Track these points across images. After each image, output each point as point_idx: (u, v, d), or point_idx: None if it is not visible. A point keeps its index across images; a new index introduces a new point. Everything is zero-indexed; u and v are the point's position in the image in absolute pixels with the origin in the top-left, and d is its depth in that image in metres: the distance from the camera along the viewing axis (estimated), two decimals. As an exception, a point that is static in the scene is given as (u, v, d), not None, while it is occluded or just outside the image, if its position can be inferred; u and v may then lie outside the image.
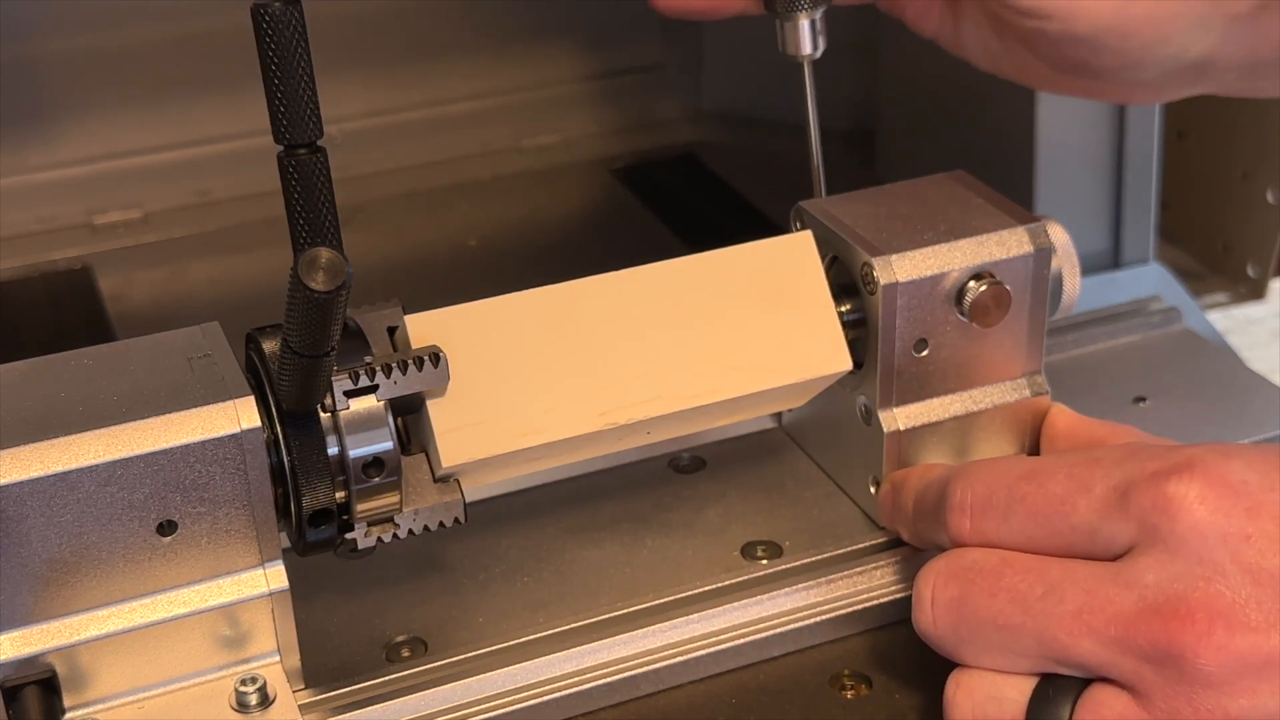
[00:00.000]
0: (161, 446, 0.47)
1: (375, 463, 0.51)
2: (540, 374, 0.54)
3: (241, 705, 0.50)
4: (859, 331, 0.57)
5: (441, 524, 0.53)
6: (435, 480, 0.53)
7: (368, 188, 0.91)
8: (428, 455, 0.53)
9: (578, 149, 0.96)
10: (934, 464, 0.58)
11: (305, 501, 0.50)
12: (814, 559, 0.58)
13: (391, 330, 0.52)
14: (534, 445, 0.53)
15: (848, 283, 0.58)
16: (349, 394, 0.50)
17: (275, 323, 0.51)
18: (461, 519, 0.53)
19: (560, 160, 0.95)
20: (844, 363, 0.57)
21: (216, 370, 0.50)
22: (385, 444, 0.51)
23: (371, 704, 0.52)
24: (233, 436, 0.48)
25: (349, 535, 0.52)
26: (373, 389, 0.50)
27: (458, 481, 0.53)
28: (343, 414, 0.50)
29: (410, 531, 0.53)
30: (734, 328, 0.56)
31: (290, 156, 0.50)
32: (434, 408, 0.52)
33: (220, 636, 0.50)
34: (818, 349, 0.57)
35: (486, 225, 0.89)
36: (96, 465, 0.47)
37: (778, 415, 0.66)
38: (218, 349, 0.51)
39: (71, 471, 0.46)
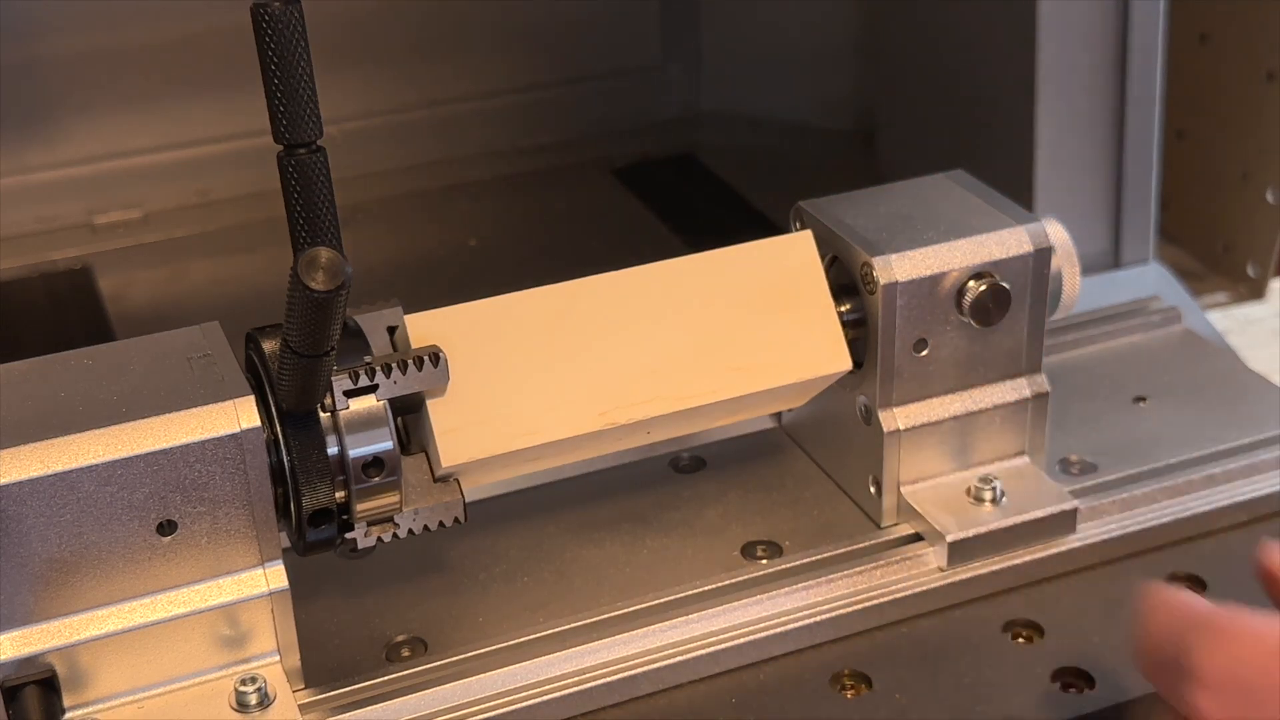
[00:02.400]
0: (161, 446, 0.47)
1: (375, 462, 0.51)
2: (540, 374, 0.54)
3: (241, 705, 0.50)
4: (859, 331, 0.57)
5: (441, 524, 0.53)
6: (435, 480, 0.53)
7: (368, 188, 0.91)
8: (428, 455, 0.53)
9: (578, 149, 0.97)
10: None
11: (305, 501, 0.50)
12: (814, 559, 0.58)
13: (391, 330, 0.52)
14: (534, 445, 0.53)
15: (848, 282, 0.58)
16: (349, 394, 0.50)
17: (275, 323, 0.51)
18: (461, 519, 0.53)
19: (560, 160, 0.96)
20: (844, 363, 0.57)
21: (216, 370, 0.49)
22: (385, 444, 0.51)
23: (371, 704, 0.52)
24: (233, 436, 0.48)
25: (349, 535, 0.52)
26: (372, 389, 0.50)
27: (458, 481, 0.53)
28: (343, 414, 0.50)
29: (410, 531, 0.53)
30: (734, 328, 0.56)
31: (290, 156, 0.50)
32: (434, 407, 0.52)
33: (220, 636, 0.50)
34: (818, 349, 0.57)
35: (486, 225, 0.89)
36: (96, 465, 0.47)
37: (778, 415, 0.66)
38: (218, 349, 0.51)
39: (71, 471, 0.46)
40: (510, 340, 0.54)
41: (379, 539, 0.52)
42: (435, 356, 0.51)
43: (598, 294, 0.55)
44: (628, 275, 0.56)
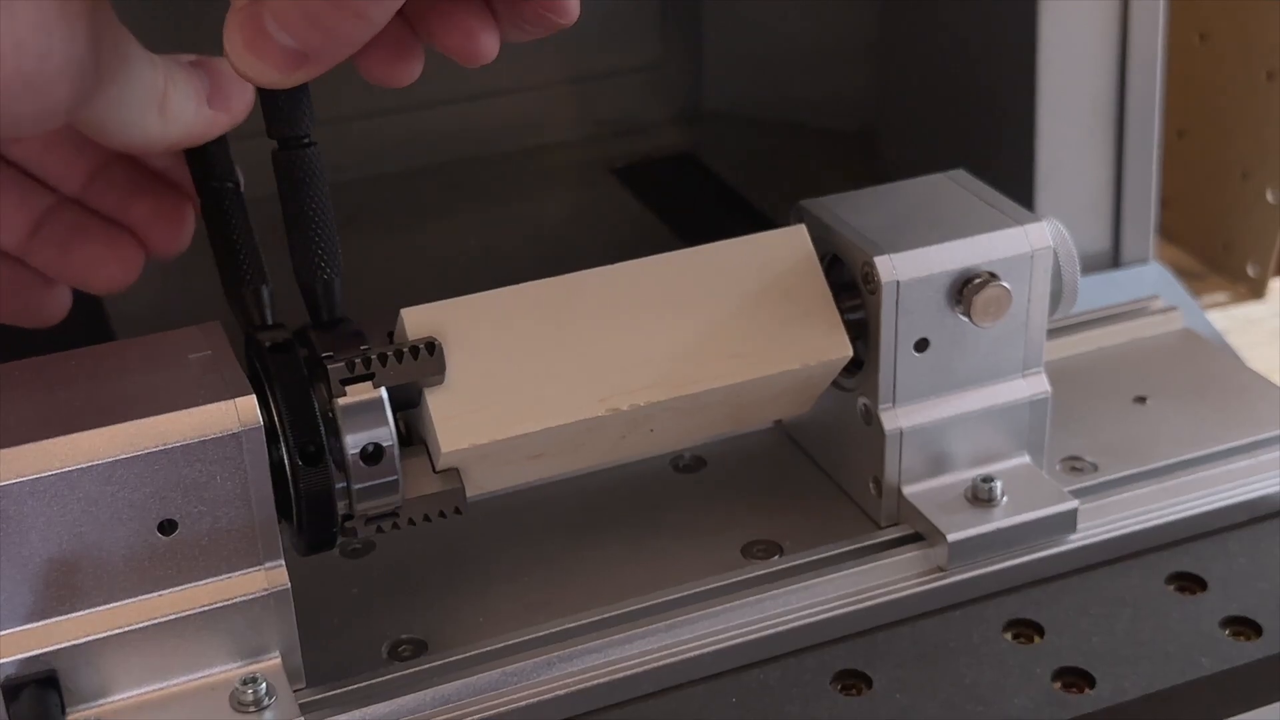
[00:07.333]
0: (161, 446, 0.47)
1: (375, 452, 0.50)
2: (540, 363, 0.54)
3: (242, 704, 0.50)
4: (859, 331, 0.57)
5: (442, 513, 0.53)
6: (436, 473, 0.53)
7: (368, 189, 0.91)
8: (428, 450, 0.53)
9: (578, 149, 0.96)
10: None
11: (305, 498, 0.50)
12: (814, 558, 0.58)
13: (390, 335, 0.53)
14: (534, 430, 0.53)
15: (848, 282, 0.58)
16: (345, 382, 0.50)
17: (275, 323, 0.51)
18: (462, 508, 0.53)
19: (560, 160, 0.95)
20: (844, 349, 0.57)
21: (216, 370, 0.49)
22: (384, 432, 0.51)
23: (372, 703, 0.52)
24: (232, 436, 0.48)
25: (349, 525, 0.52)
26: (369, 376, 0.50)
27: (458, 472, 0.53)
28: (341, 403, 0.50)
29: (410, 521, 0.52)
30: (732, 318, 0.56)
31: (284, 151, 0.50)
32: (432, 397, 0.52)
33: (221, 636, 0.50)
34: (817, 336, 0.57)
35: (486, 225, 0.89)
36: (97, 465, 0.47)
37: (778, 415, 0.66)
38: (218, 349, 0.51)
39: (72, 471, 0.46)
40: (509, 332, 0.54)
41: (379, 529, 0.52)
42: (431, 345, 0.51)
43: (596, 286, 0.55)
44: (626, 268, 0.56)
